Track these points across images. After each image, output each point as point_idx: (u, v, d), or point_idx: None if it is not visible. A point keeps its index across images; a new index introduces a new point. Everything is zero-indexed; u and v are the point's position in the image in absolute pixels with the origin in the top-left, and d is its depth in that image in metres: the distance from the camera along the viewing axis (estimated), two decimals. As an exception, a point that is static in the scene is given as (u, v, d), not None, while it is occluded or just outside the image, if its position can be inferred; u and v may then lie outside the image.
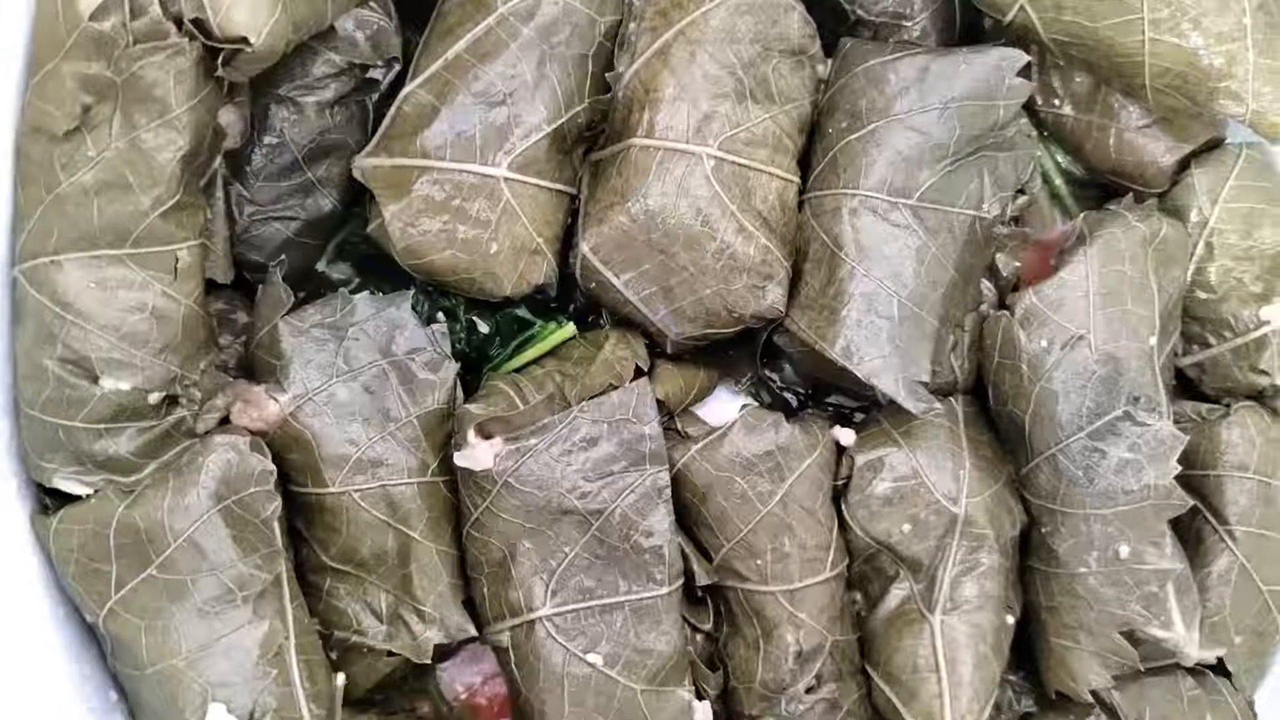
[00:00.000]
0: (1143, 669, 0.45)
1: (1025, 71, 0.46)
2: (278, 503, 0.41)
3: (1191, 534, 0.47)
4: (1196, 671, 0.46)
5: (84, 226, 0.38)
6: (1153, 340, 0.45)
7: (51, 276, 0.38)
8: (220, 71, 0.39)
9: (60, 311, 0.38)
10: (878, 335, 0.44)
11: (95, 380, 0.38)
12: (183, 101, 0.39)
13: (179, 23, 0.38)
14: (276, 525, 0.41)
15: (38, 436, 0.39)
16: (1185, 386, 0.50)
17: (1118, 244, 0.46)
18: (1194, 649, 0.44)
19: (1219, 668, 0.46)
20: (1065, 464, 0.45)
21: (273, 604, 0.40)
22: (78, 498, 0.40)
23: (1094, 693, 0.44)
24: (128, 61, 0.37)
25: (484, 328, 0.49)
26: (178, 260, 0.40)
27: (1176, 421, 0.47)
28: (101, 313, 0.38)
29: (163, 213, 0.39)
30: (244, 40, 0.38)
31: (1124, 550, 0.44)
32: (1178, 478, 0.45)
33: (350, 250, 0.49)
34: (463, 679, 0.48)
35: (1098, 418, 0.44)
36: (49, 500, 0.40)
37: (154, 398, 0.39)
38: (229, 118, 0.43)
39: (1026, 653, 0.47)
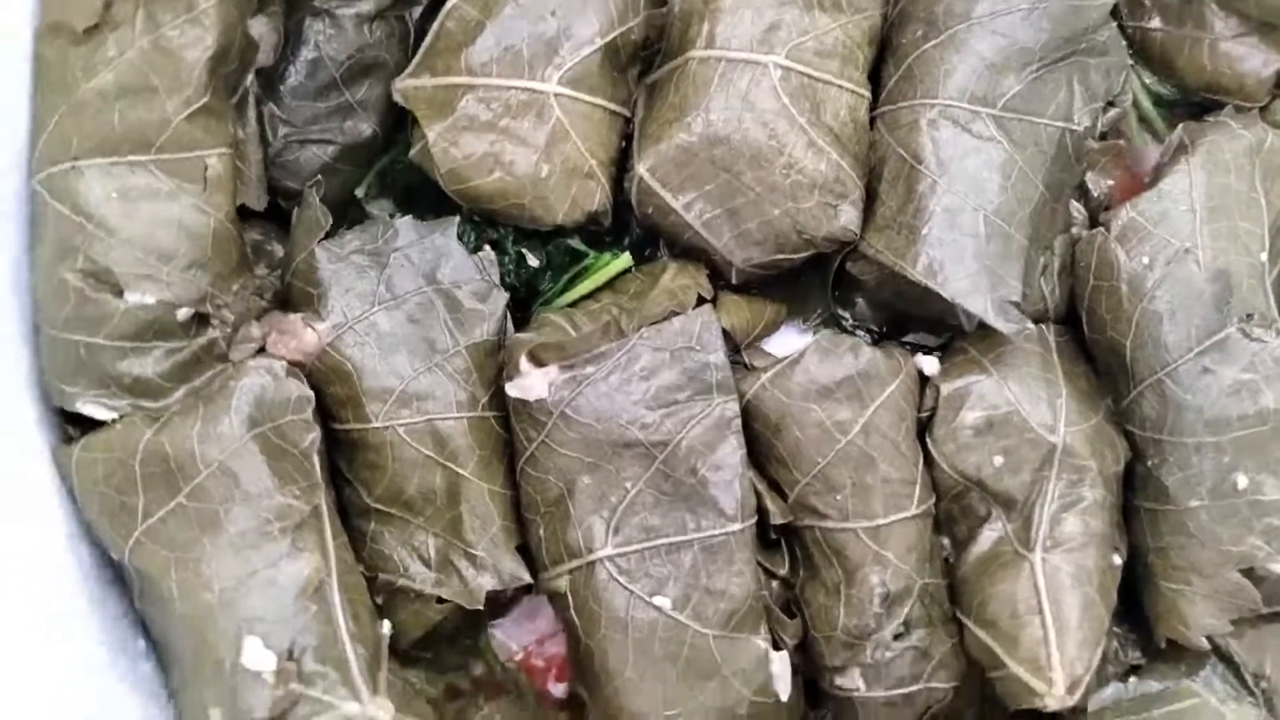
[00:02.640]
0: (1264, 611, 0.40)
1: (1115, -30, 0.42)
2: (317, 433, 0.38)
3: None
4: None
5: (105, 132, 0.36)
6: (1263, 256, 0.41)
7: (71, 185, 0.36)
8: (252, -37, 0.36)
9: (81, 222, 0.35)
10: (963, 253, 0.41)
11: (119, 294, 0.36)
12: (211, -4, 0.36)
13: (207, -92, 0.35)
14: (316, 459, 0.38)
15: (60, 359, 0.36)
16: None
17: (1222, 153, 0.42)
18: (1323, 590, 0.39)
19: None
20: (1173, 389, 0.41)
21: (313, 537, 0.36)
22: (102, 424, 0.36)
23: (1210, 639, 0.40)
24: (153, -52, 0.35)
25: (534, 261, 0.45)
26: (206, 168, 0.37)
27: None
28: (125, 225, 0.36)
29: (189, 115, 0.36)
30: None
31: (1241, 481, 0.40)
32: None
33: (392, 181, 0.46)
34: (518, 638, 0.45)
35: (1208, 337, 0.40)
36: (72, 430, 0.37)
37: (182, 314, 0.36)
38: (261, 29, 0.40)
39: (1133, 602, 0.43)
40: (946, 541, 0.43)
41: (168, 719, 0.37)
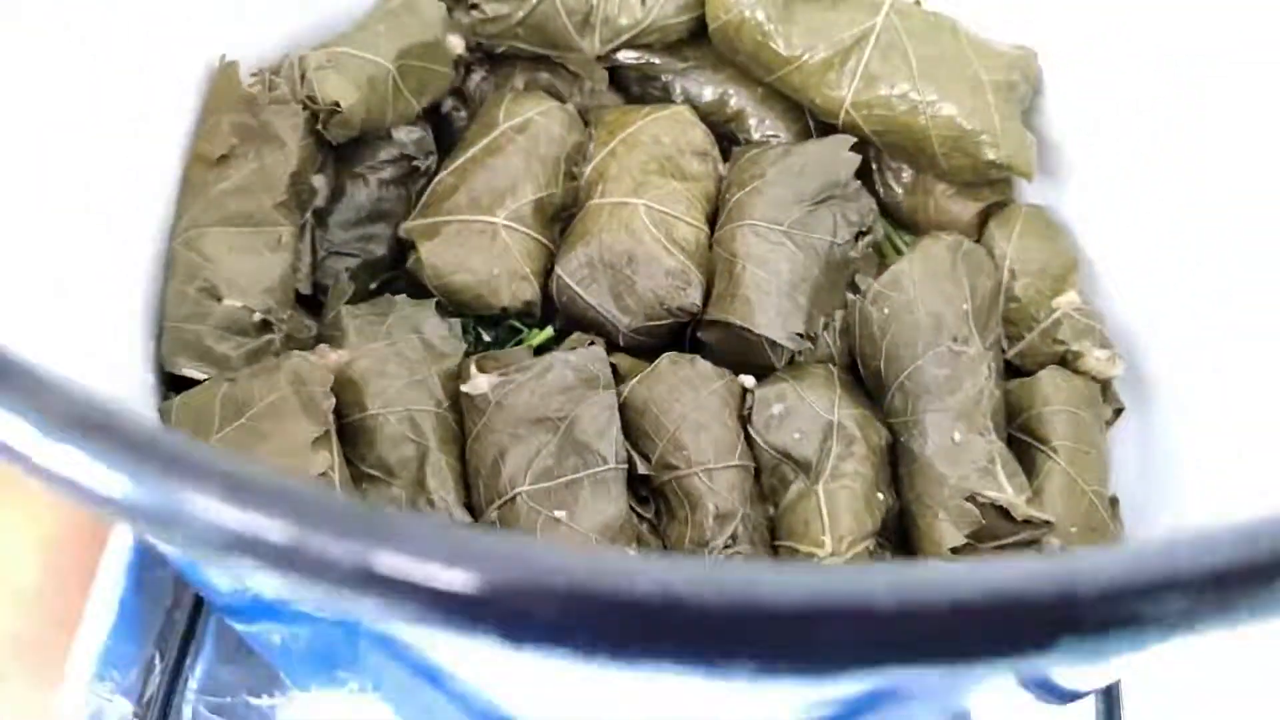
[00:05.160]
0: (992, 546, 0.57)
1: (856, 149, 0.67)
2: (332, 400, 0.57)
3: (1026, 459, 0.61)
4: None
5: (223, 213, 0.58)
6: (965, 306, 0.63)
7: (197, 241, 0.58)
8: (320, 127, 0.61)
9: (202, 261, 0.57)
10: (766, 307, 0.62)
11: (219, 300, 0.57)
12: (296, 142, 0.60)
13: (295, 95, 0.61)
14: (331, 417, 0.57)
15: (176, 342, 0.56)
16: (1014, 372, 0.67)
17: (931, 248, 0.65)
18: (1022, 506, 0.57)
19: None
20: (911, 386, 0.60)
21: (324, 453, 0.55)
22: (195, 383, 0.56)
23: (953, 550, 0.57)
24: (265, 114, 0.60)
25: (487, 337, 0.67)
26: (280, 237, 0.59)
27: (1007, 392, 0.63)
28: (228, 262, 0.57)
29: (274, 205, 0.59)
30: (336, 105, 0.61)
31: (957, 436, 0.58)
32: (1010, 422, 0.62)
33: (392, 289, 0.69)
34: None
35: (929, 350, 0.61)
36: (170, 392, 0.57)
37: (256, 317, 0.57)
38: (318, 182, 0.65)
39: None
40: (772, 510, 0.61)
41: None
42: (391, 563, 0.17)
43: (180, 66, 0.61)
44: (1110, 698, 0.60)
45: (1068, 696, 0.45)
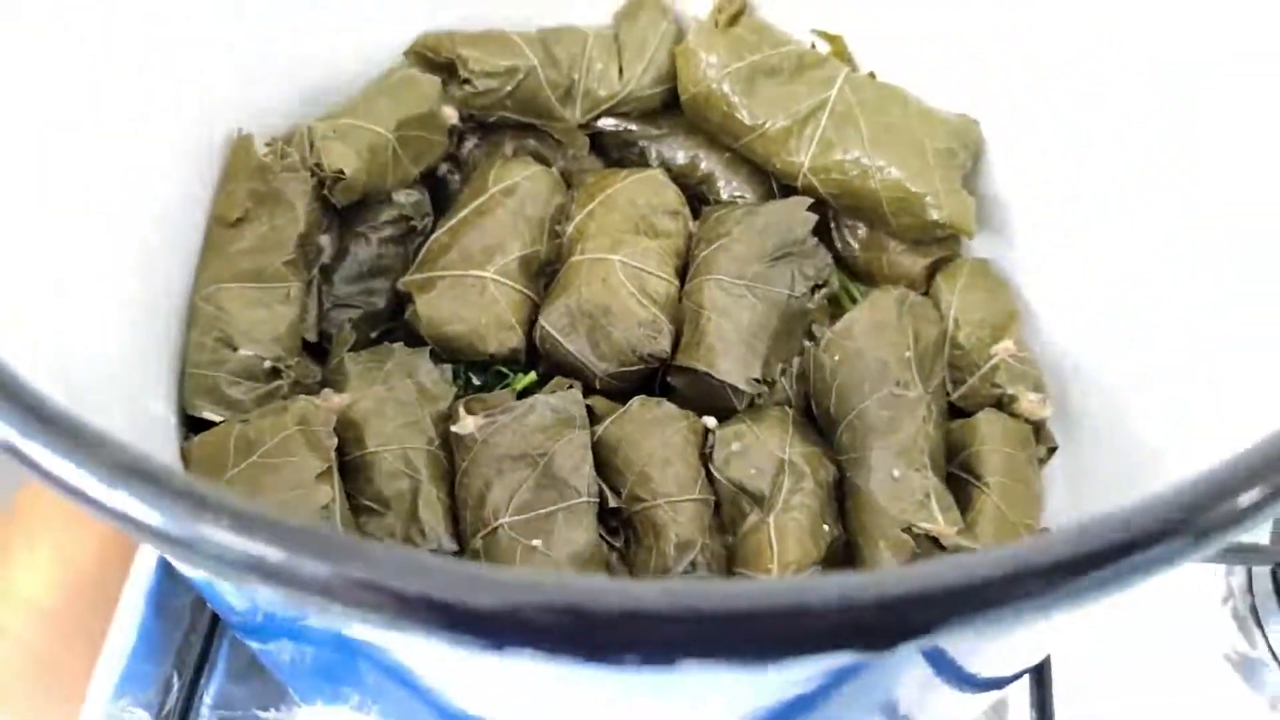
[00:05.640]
0: (922, 557, 0.63)
1: (816, 209, 0.74)
2: (334, 439, 0.63)
3: (963, 494, 0.67)
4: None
5: (238, 271, 0.65)
6: (908, 353, 0.69)
7: (216, 296, 0.65)
8: (326, 192, 0.68)
9: (219, 314, 0.64)
10: (728, 354, 0.68)
11: (235, 350, 0.63)
12: (303, 206, 0.67)
13: (304, 162, 0.68)
14: (333, 454, 0.63)
15: (196, 387, 0.63)
16: (959, 414, 0.73)
17: (880, 299, 0.71)
18: (952, 536, 0.63)
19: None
20: (858, 424, 0.67)
21: (329, 481, 0.61)
22: (213, 424, 0.63)
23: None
24: (276, 181, 0.67)
25: (476, 381, 0.73)
26: (289, 292, 0.66)
27: (950, 432, 0.70)
28: (243, 315, 0.64)
29: (283, 263, 0.66)
30: (340, 172, 0.68)
31: (896, 472, 0.64)
32: (951, 460, 0.68)
33: (391, 338, 0.76)
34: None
35: (874, 393, 0.67)
36: (190, 433, 0.64)
37: (267, 364, 0.64)
38: (324, 241, 0.72)
39: (850, 566, 0.66)
40: (731, 539, 0.67)
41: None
42: (346, 577, 0.23)
43: (204, 137, 0.68)
44: (1041, 685, 0.66)
45: (988, 685, 0.51)
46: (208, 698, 0.74)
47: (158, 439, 0.60)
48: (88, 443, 0.24)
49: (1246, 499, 0.29)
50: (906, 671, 0.42)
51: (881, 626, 0.24)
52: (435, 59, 0.77)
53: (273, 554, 0.23)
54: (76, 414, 0.26)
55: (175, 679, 0.73)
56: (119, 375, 0.54)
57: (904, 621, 0.24)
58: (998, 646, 0.45)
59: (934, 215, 0.71)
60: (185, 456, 0.63)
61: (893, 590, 0.24)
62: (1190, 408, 0.61)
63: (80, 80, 0.56)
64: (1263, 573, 0.80)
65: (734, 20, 0.76)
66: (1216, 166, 0.62)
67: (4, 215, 0.48)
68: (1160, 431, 0.63)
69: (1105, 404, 0.69)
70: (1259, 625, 0.80)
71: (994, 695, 0.67)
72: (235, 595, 0.49)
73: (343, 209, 0.72)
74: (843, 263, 0.78)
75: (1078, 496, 0.69)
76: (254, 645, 0.64)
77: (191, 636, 0.74)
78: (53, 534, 0.76)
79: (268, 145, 0.70)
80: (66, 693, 0.74)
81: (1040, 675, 0.72)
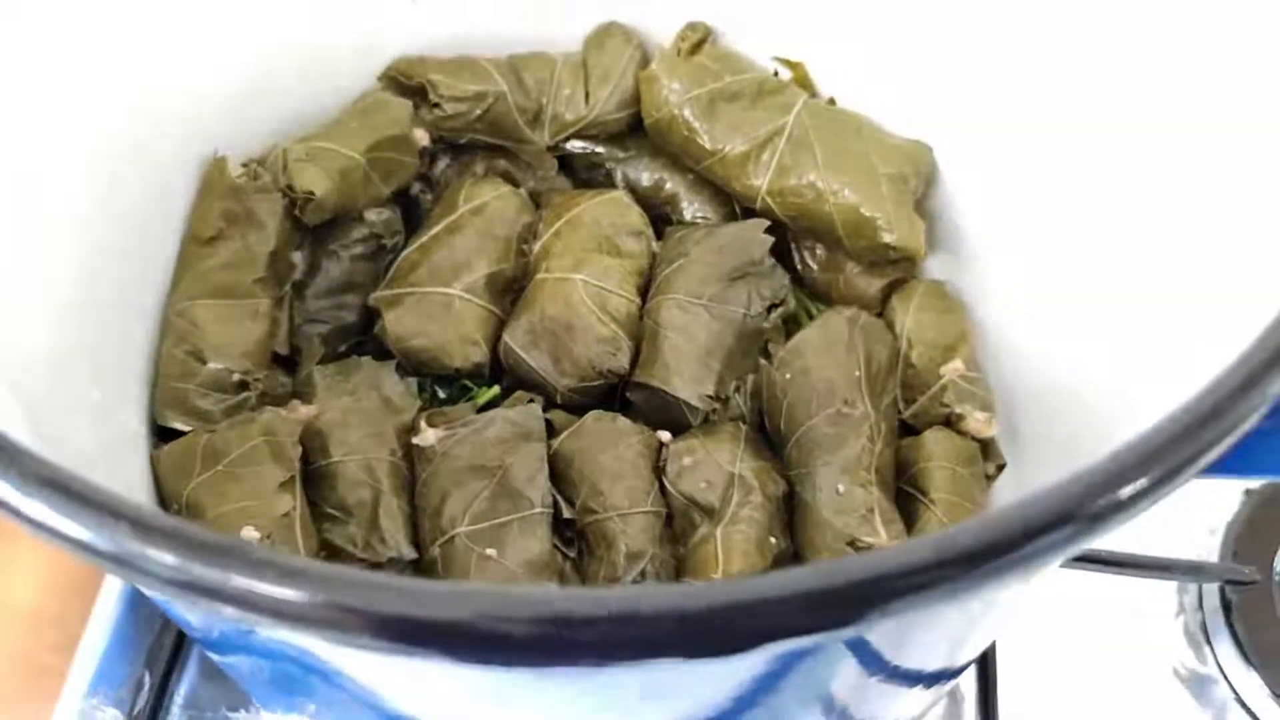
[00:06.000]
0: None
1: (775, 231, 0.76)
2: (299, 449, 0.66)
3: (910, 510, 0.69)
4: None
5: (210, 287, 0.68)
6: (857, 373, 0.71)
7: (189, 311, 0.67)
8: (297, 212, 0.71)
9: (190, 328, 0.67)
10: (682, 372, 0.71)
11: (205, 363, 0.66)
12: (275, 226, 0.70)
13: (277, 183, 0.71)
14: (297, 463, 0.66)
15: (166, 398, 0.66)
16: (910, 432, 0.75)
17: (831, 320, 0.73)
18: (895, 550, 0.65)
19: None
20: (805, 441, 0.69)
21: (290, 490, 0.64)
22: (181, 434, 0.65)
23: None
24: (249, 201, 0.69)
25: (442, 394, 0.76)
26: (258, 309, 0.69)
27: (900, 450, 0.72)
28: (214, 330, 0.67)
29: (253, 281, 0.69)
30: (311, 193, 0.71)
31: (840, 488, 0.67)
32: (900, 477, 0.70)
33: (361, 351, 0.78)
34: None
35: (821, 411, 0.69)
36: (159, 441, 0.66)
37: (235, 378, 0.66)
38: (296, 258, 0.74)
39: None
40: (682, 550, 0.69)
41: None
42: (240, 582, 0.25)
43: (181, 160, 0.71)
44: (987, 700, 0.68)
45: (923, 680, 0.53)
46: (178, 697, 0.76)
47: (126, 448, 0.63)
48: (6, 454, 0.27)
49: (1128, 490, 0.31)
50: (826, 666, 0.44)
51: (716, 633, 0.26)
52: (407, 83, 0.80)
53: (170, 560, 0.26)
54: (27, 445, 0.29)
55: (147, 678, 0.76)
56: (79, 386, 0.56)
57: (752, 624, 0.26)
58: (920, 636, 0.47)
59: (886, 238, 0.73)
60: (154, 464, 0.65)
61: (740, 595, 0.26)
62: (1132, 430, 0.63)
63: (68, 93, 0.59)
64: (1212, 590, 0.82)
65: (697, 48, 0.79)
66: (1168, 192, 0.64)
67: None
68: (1103, 451, 0.65)
69: (1051, 424, 0.71)
70: (1208, 641, 0.82)
71: (934, 692, 0.68)
72: (191, 612, 0.51)
73: (315, 227, 0.74)
74: (802, 283, 0.80)
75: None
76: (215, 657, 0.67)
77: (164, 637, 0.77)
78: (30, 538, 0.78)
79: (243, 166, 0.72)
80: (45, 693, 0.77)
81: (986, 689, 0.74)
